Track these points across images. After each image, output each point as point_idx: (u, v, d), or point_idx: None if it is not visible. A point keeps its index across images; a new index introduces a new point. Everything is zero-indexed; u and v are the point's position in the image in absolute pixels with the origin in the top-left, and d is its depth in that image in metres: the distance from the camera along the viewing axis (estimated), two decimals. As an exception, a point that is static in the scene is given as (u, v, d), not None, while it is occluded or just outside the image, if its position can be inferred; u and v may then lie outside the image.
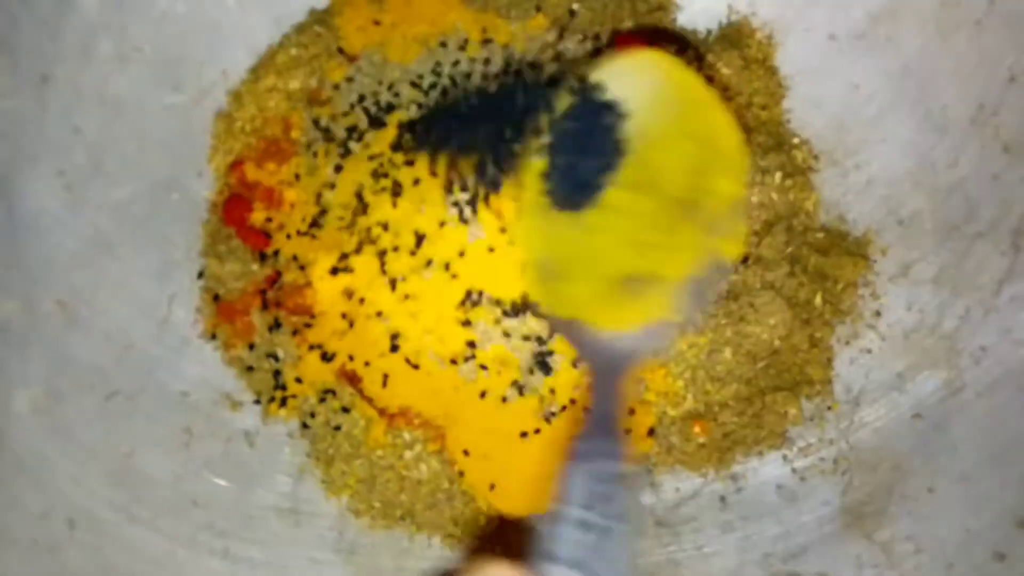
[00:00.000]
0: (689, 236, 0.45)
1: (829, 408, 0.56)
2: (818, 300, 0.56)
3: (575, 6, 0.60)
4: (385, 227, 0.54)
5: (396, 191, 0.54)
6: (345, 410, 0.55)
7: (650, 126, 0.46)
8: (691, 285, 0.45)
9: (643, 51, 0.48)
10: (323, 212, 0.56)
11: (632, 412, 0.55)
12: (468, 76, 0.56)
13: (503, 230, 0.52)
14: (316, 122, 0.58)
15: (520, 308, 0.53)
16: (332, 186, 0.56)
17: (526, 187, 0.48)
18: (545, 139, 0.47)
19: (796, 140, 0.60)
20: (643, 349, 0.46)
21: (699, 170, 0.46)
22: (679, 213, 0.45)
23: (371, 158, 0.55)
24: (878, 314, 0.57)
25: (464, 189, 0.52)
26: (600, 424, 0.43)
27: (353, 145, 0.56)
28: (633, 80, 0.47)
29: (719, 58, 0.59)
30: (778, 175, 0.58)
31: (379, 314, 0.54)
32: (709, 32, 0.62)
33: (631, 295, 0.46)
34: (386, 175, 0.54)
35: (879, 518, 0.52)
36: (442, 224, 0.53)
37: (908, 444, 0.53)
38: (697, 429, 0.56)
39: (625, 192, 0.46)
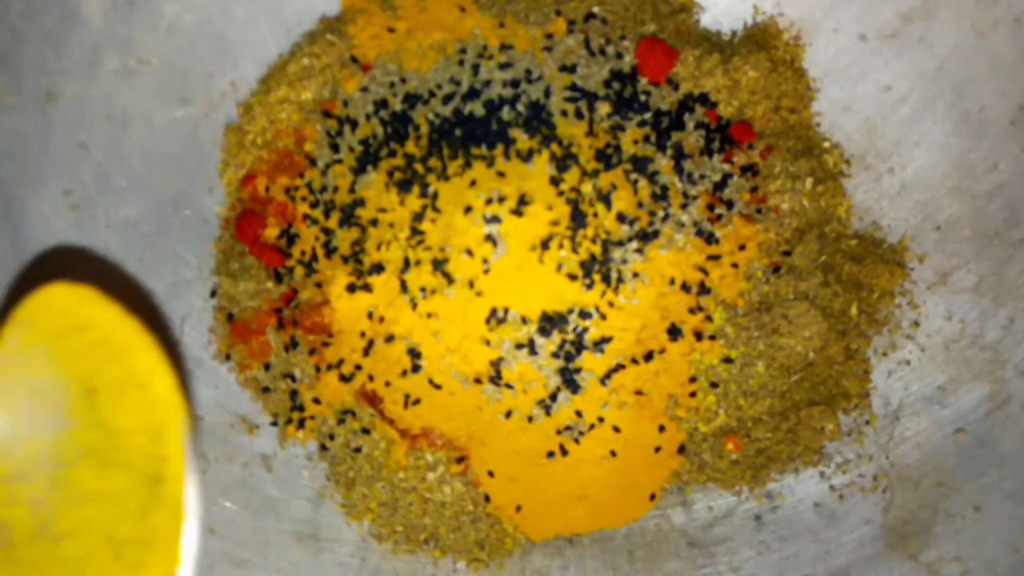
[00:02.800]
0: (160, 524, 0.38)
1: (867, 423, 0.54)
2: (853, 310, 0.54)
3: (596, 9, 0.58)
4: (405, 244, 0.52)
5: (416, 206, 0.52)
6: (365, 431, 0.53)
7: (94, 374, 0.39)
8: None
9: (58, 289, 0.41)
10: (339, 227, 0.54)
11: (662, 429, 0.54)
12: (488, 84, 0.54)
13: (533, 247, 0.51)
14: (330, 134, 0.56)
15: (548, 325, 0.51)
16: (348, 201, 0.54)
17: None
18: None
19: (827, 144, 0.58)
20: None
21: (153, 428, 0.39)
22: (148, 490, 0.38)
23: (389, 172, 0.53)
24: (916, 324, 0.55)
25: (488, 202, 0.50)
26: None
27: (369, 157, 0.54)
28: (58, 327, 0.39)
29: (745, 60, 0.57)
30: (809, 181, 0.56)
31: (400, 333, 0.53)
32: (734, 34, 0.60)
33: None
34: (405, 189, 0.52)
35: (924, 538, 0.50)
36: (466, 241, 0.51)
37: (952, 460, 0.51)
38: (730, 446, 0.54)
39: (92, 467, 0.38)
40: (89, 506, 0.39)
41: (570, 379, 0.52)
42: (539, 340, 0.51)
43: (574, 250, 0.51)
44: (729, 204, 0.54)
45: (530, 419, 0.53)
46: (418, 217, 0.52)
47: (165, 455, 0.39)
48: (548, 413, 0.53)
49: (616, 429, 0.53)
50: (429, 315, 0.52)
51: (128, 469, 0.39)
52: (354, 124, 0.56)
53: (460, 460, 0.53)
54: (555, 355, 0.52)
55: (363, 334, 0.53)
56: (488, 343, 0.52)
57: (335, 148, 0.56)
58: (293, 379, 0.55)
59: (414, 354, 0.52)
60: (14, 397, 0.39)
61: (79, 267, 0.53)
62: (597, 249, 0.51)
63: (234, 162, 0.58)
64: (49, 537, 0.38)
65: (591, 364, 0.52)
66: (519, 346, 0.51)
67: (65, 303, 0.40)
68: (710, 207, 0.54)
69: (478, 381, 0.52)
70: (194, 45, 0.57)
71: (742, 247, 0.54)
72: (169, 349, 0.43)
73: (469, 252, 0.51)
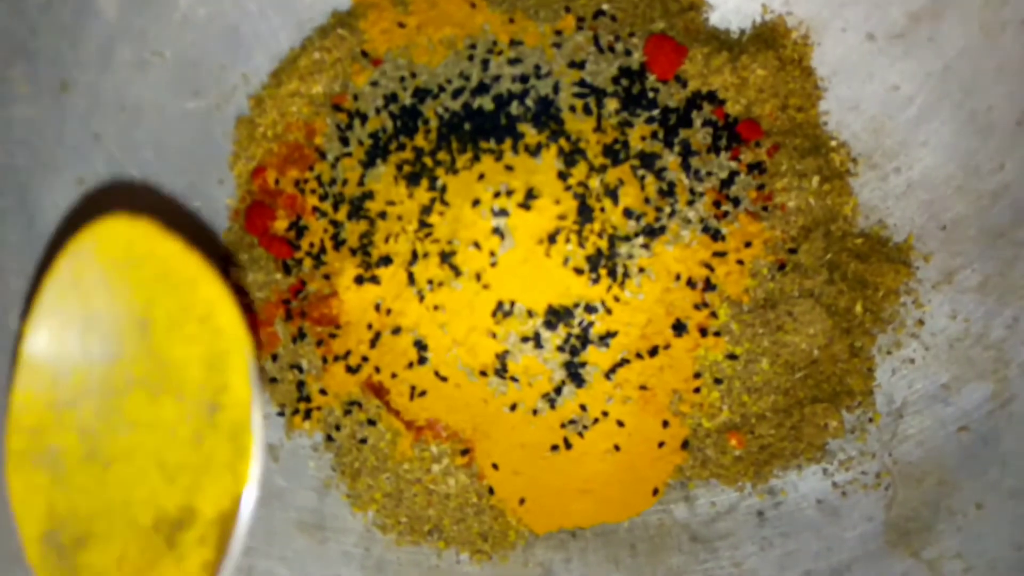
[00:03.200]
0: (215, 449, 0.38)
1: (871, 420, 0.54)
2: (858, 308, 0.55)
3: (605, 6, 0.58)
4: (413, 236, 0.53)
5: (425, 199, 0.52)
6: (371, 422, 0.54)
7: (149, 307, 0.39)
8: (223, 525, 0.38)
9: (119, 221, 0.41)
10: (348, 220, 0.55)
11: (666, 424, 0.54)
12: (497, 79, 0.54)
13: (540, 241, 0.51)
14: (340, 127, 0.57)
15: (554, 318, 0.52)
16: (357, 194, 0.55)
17: (13, 433, 0.39)
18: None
19: (834, 143, 0.58)
20: None
21: (211, 359, 0.39)
22: (203, 418, 0.38)
23: (398, 165, 0.54)
24: (921, 323, 0.55)
25: (496, 196, 0.51)
26: None
27: (378, 151, 0.55)
28: (115, 258, 0.39)
29: (753, 59, 0.57)
30: (815, 179, 0.56)
31: (407, 325, 0.53)
32: (743, 32, 0.60)
33: (166, 548, 0.38)
34: (414, 183, 0.53)
35: (926, 535, 0.50)
36: (474, 234, 0.51)
37: (955, 458, 0.51)
38: (733, 442, 0.54)
39: (143, 397, 0.39)
40: (139, 433, 0.39)
41: (575, 373, 0.52)
42: (545, 333, 0.52)
43: (581, 244, 0.51)
44: (736, 201, 0.55)
45: (535, 412, 0.53)
46: (426, 210, 0.52)
47: (224, 384, 0.39)
48: (553, 407, 0.53)
49: (620, 423, 0.53)
50: (436, 307, 0.52)
51: (181, 399, 0.39)
52: (364, 118, 0.56)
53: (465, 452, 0.54)
54: (560, 349, 0.52)
55: (370, 326, 0.54)
56: (494, 336, 0.52)
57: (345, 141, 0.56)
58: (300, 370, 0.56)
59: (420, 346, 0.53)
60: (65, 326, 0.39)
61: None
62: (604, 244, 0.52)
63: (245, 154, 0.59)
64: (98, 462, 0.39)
65: (596, 358, 0.53)
66: (525, 339, 0.52)
67: (125, 235, 0.40)
68: (716, 204, 0.54)
69: (484, 374, 0.53)
70: (207, 38, 0.58)
71: (748, 244, 0.55)
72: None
73: (476, 245, 0.51)
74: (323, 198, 0.56)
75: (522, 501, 0.54)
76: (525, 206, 0.51)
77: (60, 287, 0.40)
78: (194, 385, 0.39)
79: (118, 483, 0.39)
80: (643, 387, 0.53)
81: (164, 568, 0.38)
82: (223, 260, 0.53)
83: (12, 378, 0.39)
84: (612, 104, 0.54)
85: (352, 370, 0.54)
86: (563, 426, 0.53)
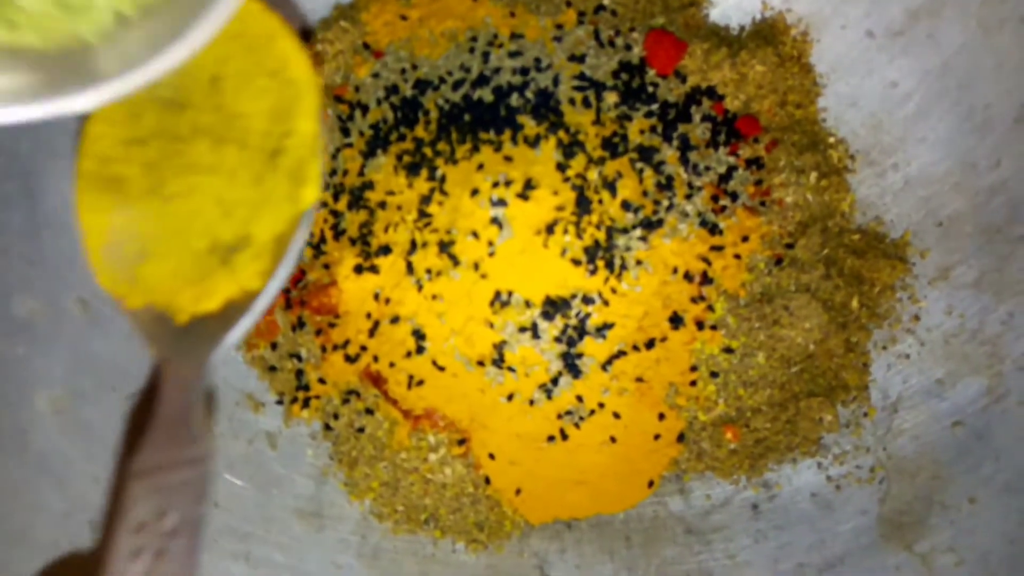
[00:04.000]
0: (275, 186, 0.41)
1: (865, 415, 0.54)
2: (854, 303, 0.55)
3: (605, 1, 0.59)
4: (412, 226, 0.53)
5: (424, 189, 0.53)
6: (369, 412, 0.54)
7: (221, 63, 0.42)
8: (279, 243, 0.41)
9: None
10: (348, 210, 0.55)
11: (662, 417, 0.54)
12: (497, 71, 0.54)
13: (538, 232, 0.51)
14: (341, 118, 0.57)
15: (551, 309, 0.52)
16: (358, 184, 0.55)
17: (85, 156, 0.43)
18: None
19: (832, 139, 0.59)
20: (222, 334, 0.41)
21: (278, 110, 0.42)
22: (264, 163, 0.41)
23: (398, 156, 0.54)
24: (917, 318, 0.55)
25: (495, 186, 0.51)
26: (169, 429, 0.39)
27: (379, 141, 0.55)
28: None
29: (752, 55, 0.57)
30: (813, 175, 0.56)
31: (405, 315, 0.53)
32: (742, 28, 0.61)
33: (219, 265, 0.41)
34: (414, 173, 0.53)
35: (919, 528, 0.50)
36: (472, 224, 0.52)
37: (949, 452, 0.52)
38: (729, 435, 0.55)
39: (207, 144, 0.42)
40: (200, 175, 0.42)
41: (572, 364, 0.53)
42: (542, 324, 0.52)
43: (579, 236, 0.52)
44: (733, 196, 0.55)
45: (531, 403, 0.53)
46: (426, 200, 0.53)
47: (289, 130, 0.42)
48: (549, 397, 0.53)
49: (616, 415, 0.54)
50: (434, 297, 0.52)
51: (243, 147, 0.42)
52: (365, 109, 0.56)
53: (461, 442, 0.54)
54: (557, 339, 0.52)
55: (369, 315, 0.54)
56: (492, 326, 0.52)
57: (346, 132, 0.57)
58: (299, 359, 0.56)
59: (418, 335, 0.53)
60: None
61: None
62: (601, 235, 0.52)
63: (247, 144, 0.59)
64: (160, 196, 0.42)
65: (593, 350, 0.53)
66: (522, 329, 0.52)
67: None
68: (714, 198, 0.55)
69: (481, 364, 0.53)
70: (210, 29, 0.58)
71: (745, 238, 0.55)
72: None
73: (475, 235, 0.52)
74: (323, 188, 0.56)
75: (518, 491, 0.55)
76: (523, 196, 0.51)
77: None
78: (257, 135, 0.42)
79: (177, 215, 0.42)
80: (639, 379, 0.53)
81: (218, 279, 0.41)
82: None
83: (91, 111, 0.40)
84: (611, 98, 0.55)
85: (351, 359, 0.55)
86: (559, 417, 0.54)
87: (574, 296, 0.52)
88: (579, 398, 0.53)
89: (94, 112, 0.42)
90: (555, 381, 0.53)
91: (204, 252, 0.41)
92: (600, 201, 0.52)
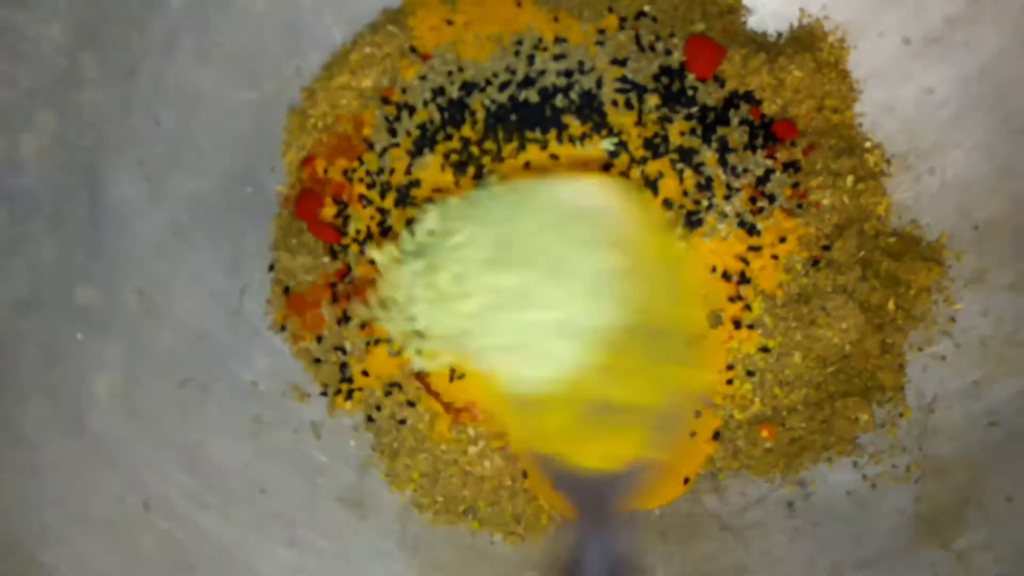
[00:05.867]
0: (662, 364, 0.44)
1: (901, 415, 0.55)
2: (891, 305, 0.55)
3: (646, 8, 0.60)
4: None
5: (470, 187, 0.54)
6: (411, 404, 0.56)
7: (624, 249, 0.44)
8: (665, 417, 0.44)
9: (599, 176, 0.48)
10: (394, 207, 0.57)
11: (699, 414, 0.55)
12: (542, 73, 0.56)
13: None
14: (388, 119, 0.59)
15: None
16: (404, 182, 0.57)
17: None
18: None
19: (868, 144, 0.60)
20: (626, 487, 0.45)
21: (668, 296, 0.44)
22: (652, 340, 0.44)
23: (445, 154, 0.56)
24: (953, 320, 0.56)
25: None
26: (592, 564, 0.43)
27: (426, 141, 0.57)
28: (603, 200, 0.44)
29: (790, 60, 0.58)
30: (850, 178, 0.57)
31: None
32: (780, 35, 0.62)
33: (608, 428, 0.44)
34: (461, 170, 0.55)
35: (955, 527, 0.51)
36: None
37: (985, 452, 0.52)
38: (764, 434, 0.55)
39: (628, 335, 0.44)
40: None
41: (611, 360, 0.54)
42: (583, 319, 0.53)
43: (620, 233, 0.53)
44: (771, 198, 0.56)
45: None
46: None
47: (680, 320, 0.45)
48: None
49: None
50: (478, 292, 0.54)
51: (649, 335, 0.44)
52: (412, 110, 0.58)
53: (500, 436, 0.55)
54: (598, 334, 0.53)
55: (413, 309, 0.55)
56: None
57: (392, 132, 0.58)
58: (344, 352, 0.57)
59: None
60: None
61: (149, 235, 0.56)
62: (642, 233, 0.53)
63: (296, 144, 0.61)
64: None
65: (631, 346, 0.54)
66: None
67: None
68: (752, 200, 0.56)
69: (522, 358, 0.54)
70: (263, 32, 0.60)
71: (783, 239, 0.56)
72: None
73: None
74: (370, 186, 0.58)
75: (555, 486, 0.56)
76: (568, 194, 0.53)
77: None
78: (649, 314, 0.44)
79: (574, 384, 0.43)
80: (677, 377, 0.54)
81: (602, 438, 0.44)
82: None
83: None
84: (652, 100, 0.56)
85: (393, 353, 0.56)
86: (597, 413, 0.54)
87: (615, 292, 0.53)
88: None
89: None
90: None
91: (592, 413, 0.44)
92: (642, 200, 0.53)
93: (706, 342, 0.47)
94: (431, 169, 0.56)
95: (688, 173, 0.55)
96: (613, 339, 0.42)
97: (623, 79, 0.56)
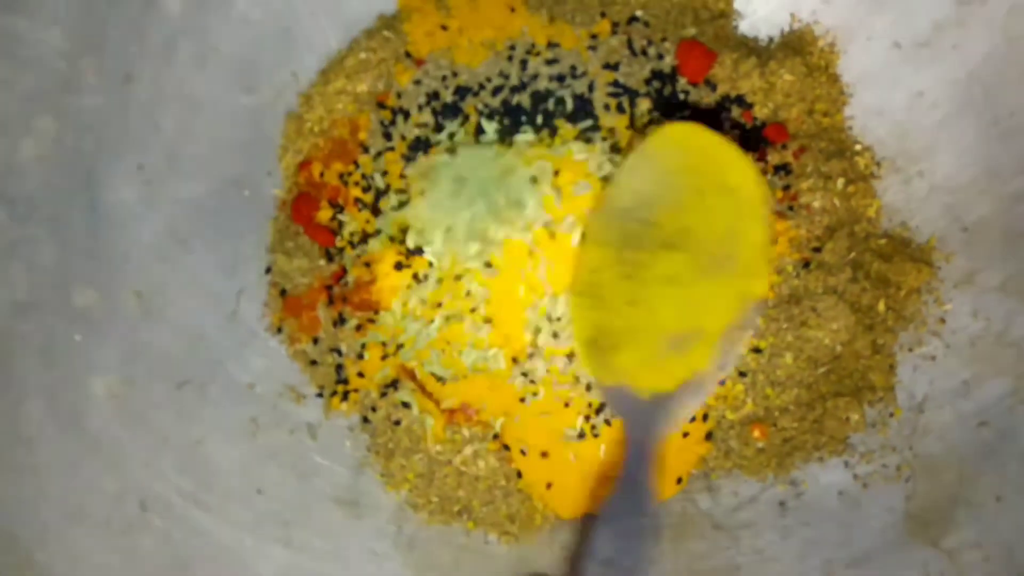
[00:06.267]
0: (727, 287, 0.49)
1: (892, 415, 0.55)
2: (881, 306, 0.56)
3: (638, 12, 0.61)
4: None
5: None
6: (405, 405, 0.56)
7: (688, 189, 0.50)
8: (729, 333, 0.49)
9: (674, 124, 0.52)
10: (389, 210, 0.57)
11: (692, 419, 0.55)
12: (535, 77, 0.57)
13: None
14: (383, 123, 0.59)
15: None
16: (399, 187, 0.57)
17: (581, 267, 0.51)
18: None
19: (858, 147, 0.60)
20: (680, 410, 0.50)
21: (733, 222, 0.49)
22: (718, 267, 0.49)
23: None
24: (942, 321, 0.56)
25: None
26: (631, 487, 0.48)
27: (420, 145, 0.57)
28: (669, 148, 0.50)
29: (781, 64, 0.59)
30: (840, 181, 0.58)
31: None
32: (771, 40, 0.63)
33: (676, 353, 0.49)
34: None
35: (945, 525, 0.51)
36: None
37: (974, 452, 0.52)
38: (756, 433, 0.56)
39: (670, 256, 0.50)
40: (662, 285, 0.51)
41: (604, 360, 0.54)
42: (576, 321, 0.54)
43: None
44: (762, 200, 0.57)
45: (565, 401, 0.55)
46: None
47: (740, 239, 0.50)
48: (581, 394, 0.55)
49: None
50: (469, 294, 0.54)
51: (700, 256, 0.50)
52: (407, 114, 0.59)
53: (495, 436, 0.56)
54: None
55: (408, 311, 0.56)
56: (526, 323, 0.54)
57: (387, 136, 0.59)
58: (339, 353, 0.58)
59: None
60: (633, 195, 0.51)
61: (147, 237, 0.56)
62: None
63: (292, 148, 0.62)
64: (631, 301, 0.51)
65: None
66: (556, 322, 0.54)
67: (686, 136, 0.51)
68: (743, 202, 0.56)
69: (515, 360, 0.55)
70: (261, 38, 0.61)
71: (774, 241, 0.56)
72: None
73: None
74: (366, 190, 0.59)
75: (549, 486, 0.56)
76: (560, 197, 0.53)
77: (638, 165, 0.51)
78: (714, 244, 0.50)
79: (643, 316, 0.50)
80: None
81: (674, 364, 0.50)
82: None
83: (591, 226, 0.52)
84: (644, 104, 0.57)
85: (389, 354, 0.57)
86: (591, 415, 0.55)
87: (607, 294, 0.54)
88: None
89: (589, 236, 0.52)
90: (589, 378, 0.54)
91: (664, 344, 0.50)
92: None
93: (767, 250, 0.50)
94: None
95: (679, 176, 0.55)
96: (684, 272, 0.49)
97: (615, 83, 0.57)
